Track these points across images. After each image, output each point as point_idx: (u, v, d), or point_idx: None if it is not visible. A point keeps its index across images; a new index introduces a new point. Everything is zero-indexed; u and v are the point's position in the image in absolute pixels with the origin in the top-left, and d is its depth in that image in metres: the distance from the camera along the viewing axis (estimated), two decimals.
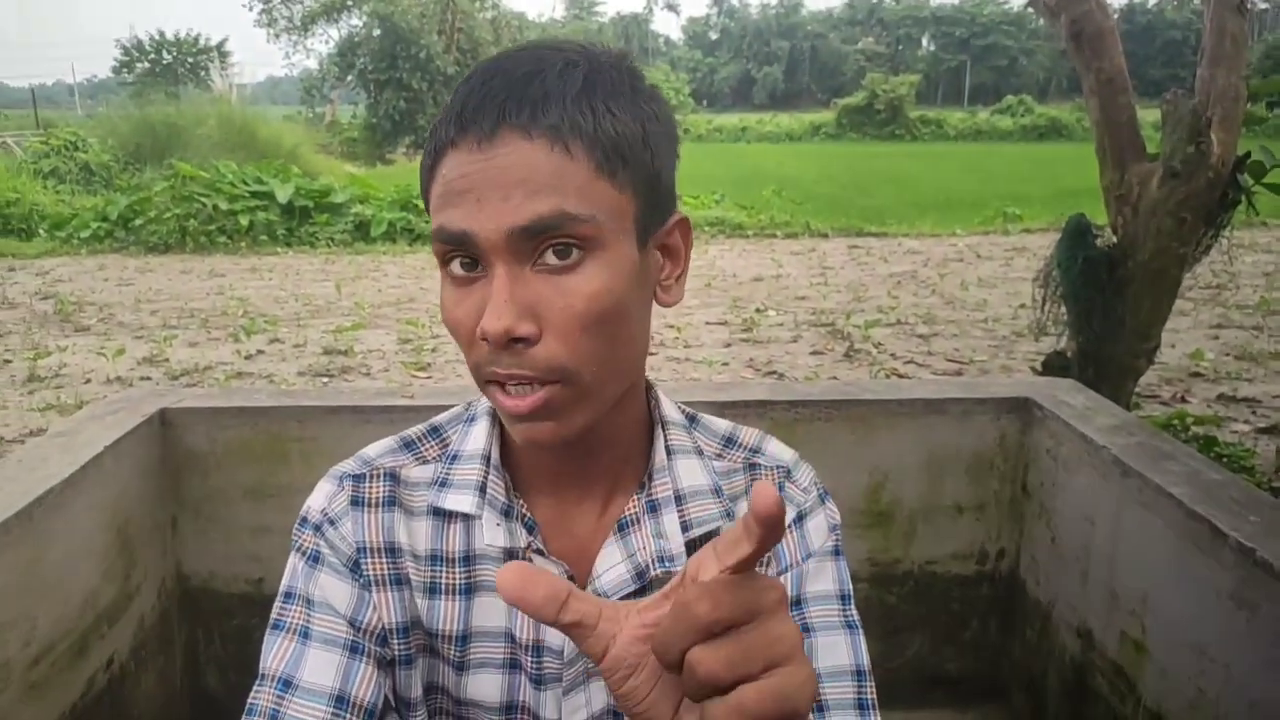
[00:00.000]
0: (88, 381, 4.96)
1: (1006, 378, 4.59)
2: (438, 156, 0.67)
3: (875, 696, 0.76)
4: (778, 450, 0.85)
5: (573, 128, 0.65)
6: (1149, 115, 3.46)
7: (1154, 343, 2.70)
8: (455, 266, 0.67)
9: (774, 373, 5.06)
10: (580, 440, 0.70)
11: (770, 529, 0.45)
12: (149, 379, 5.01)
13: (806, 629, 0.77)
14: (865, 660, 0.77)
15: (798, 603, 0.78)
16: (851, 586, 0.81)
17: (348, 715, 0.71)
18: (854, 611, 0.79)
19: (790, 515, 0.81)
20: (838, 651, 0.76)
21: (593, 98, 0.66)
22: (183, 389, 2.24)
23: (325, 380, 4.99)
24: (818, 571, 0.79)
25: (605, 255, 0.66)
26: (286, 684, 0.71)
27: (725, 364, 5.24)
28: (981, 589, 2.24)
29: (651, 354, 5.44)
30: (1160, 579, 1.66)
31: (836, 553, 0.81)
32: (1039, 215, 11.15)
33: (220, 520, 2.08)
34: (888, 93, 34.85)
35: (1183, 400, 4.37)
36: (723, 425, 0.86)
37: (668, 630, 0.46)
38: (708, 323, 6.31)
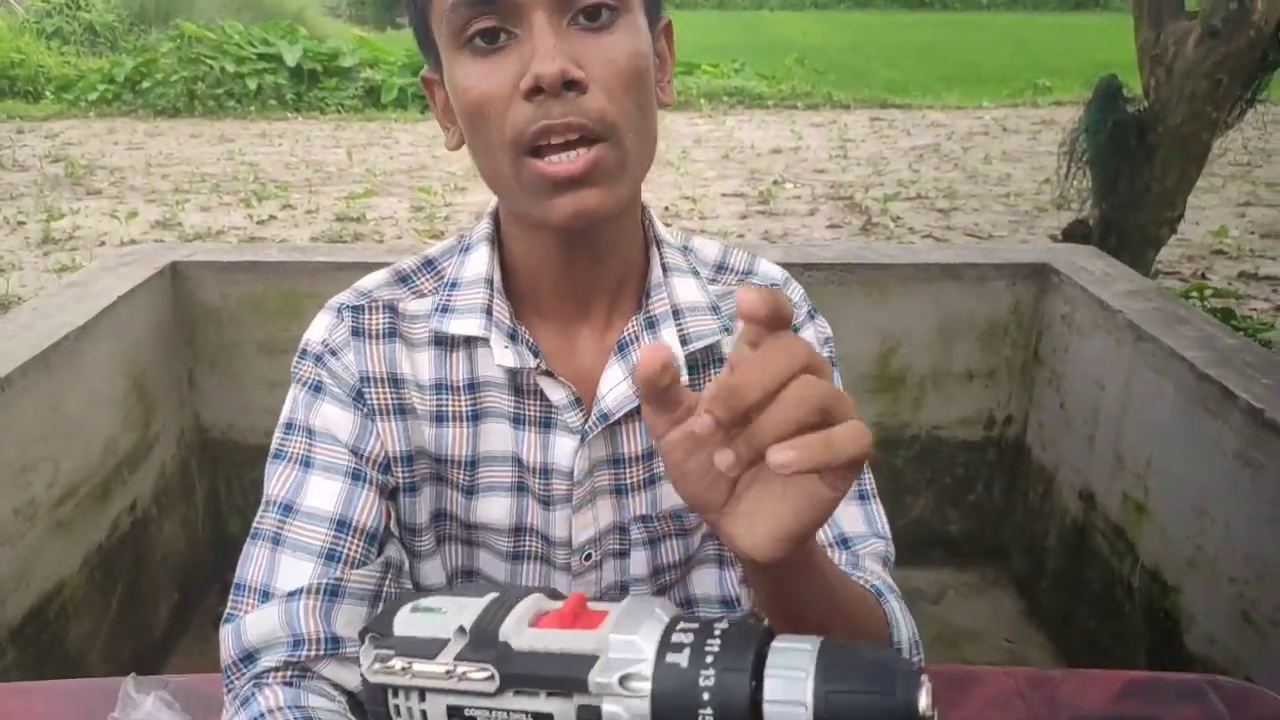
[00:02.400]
0: (101, 244, 4.95)
1: (1025, 245, 4.52)
2: None
3: (875, 488, 0.81)
4: (768, 269, 0.86)
5: None
6: None
7: (1178, 211, 2.64)
8: (479, 28, 0.65)
9: (789, 244, 5.01)
10: (600, 235, 0.72)
11: (770, 321, 0.46)
12: (161, 242, 5.00)
13: None
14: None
15: None
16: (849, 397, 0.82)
17: (348, 538, 0.72)
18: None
19: None
20: None
21: None
22: (193, 244, 2.24)
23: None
24: None
25: (631, 20, 0.67)
26: (288, 509, 0.72)
27: (741, 235, 5.18)
28: (987, 454, 2.26)
29: (666, 224, 5.38)
30: (1166, 442, 1.67)
31: (831, 364, 0.82)
32: (1070, 88, 10.72)
33: (236, 374, 2.11)
34: None
35: (1203, 277, 4.31)
36: (714, 250, 0.86)
37: (754, 365, 0.45)
38: (724, 194, 6.20)
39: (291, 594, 0.70)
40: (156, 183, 6.46)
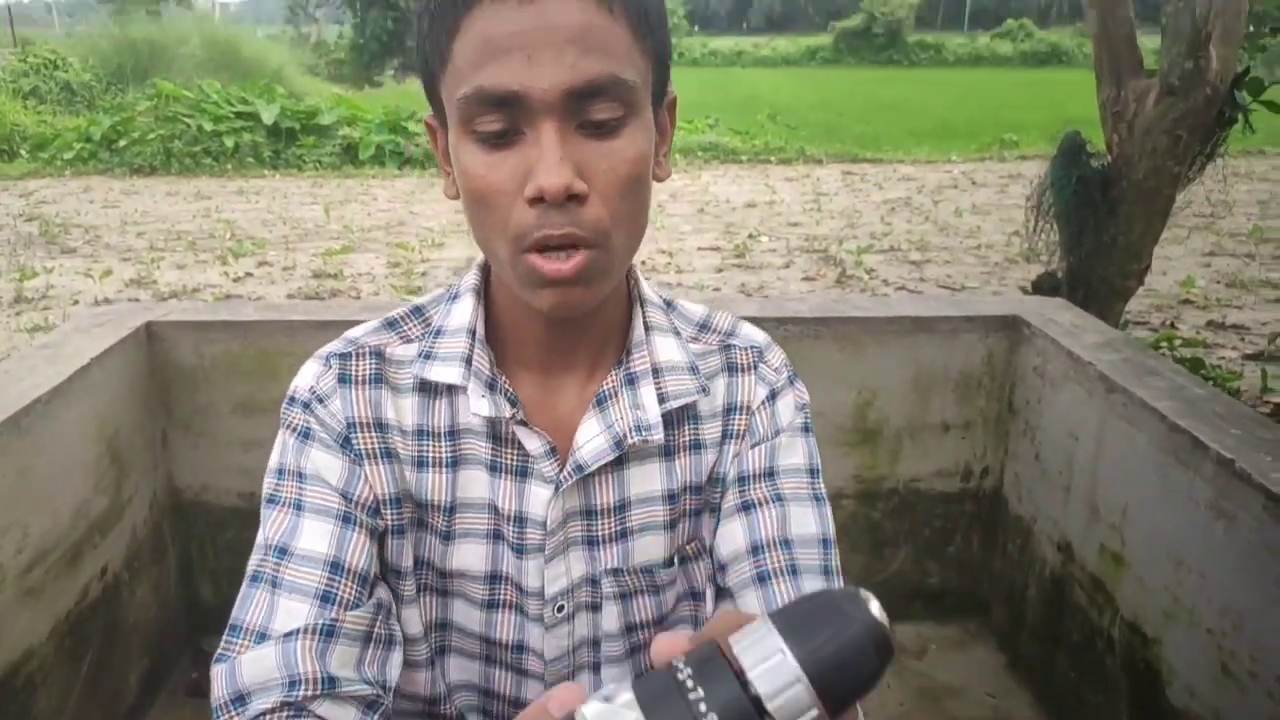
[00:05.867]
0: (75, 303, 4.92)
1: (996, 297, 4.59)
2: (465, 10, 0.65)
3: (840, 563, 0.82)
4: (750, 332, 0.88)
5: None
6: (1151, 42, 3.40)
7: (1145, 263, 2.70)
8: (487, 128, 0.65)
9: (765, 298, 5.05)
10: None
11: None
12: (136, 301, 4.98)
13: (780, 498, 0.81)
14: (831, 530, 0.82)
15: (770, 474, 0.82)
16: (820, 462, 0.84)
17: (342, 580, 0.74)
18: (822, 485, 0.83)
19: (763, 393, 0.84)
20: (807, 521, 0.81)
21: None
22: (169, 304, 2.23)
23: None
24: (789, 446, 0.83)
25: (639, 120, 0.68)
26: (283, 551, 0.74)
27: (716, 289, 5.23)
28: (965, 505, 2.27)
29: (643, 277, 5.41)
30: (1141, 492, 1.68)
31: (806, 429, 0.85)
32: (1036, 141, 11.02)
33: (211, 434, 2.09)
34: (886, 16, 34.09)
35: (1172, 326, 4.38)
36: (698, 310, 0.88)
37: None
38: (700, 248, 6.27)
39: (288, 635, 0.71)
40: (131, 241, 6.45)
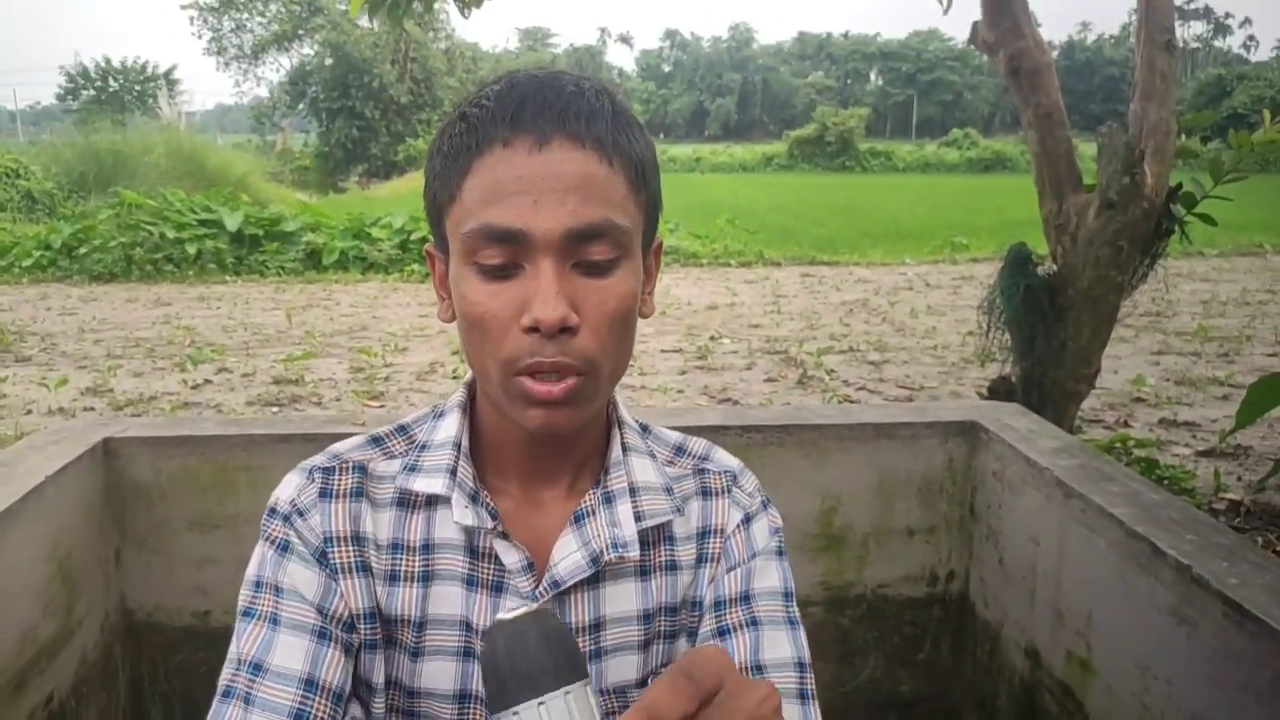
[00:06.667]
0: (28, 412, 4.83)
1: (954, 402, 4.66)
2: (477, 155, 0.70)
3: (814, 688, 0.83)
4: (724, 458, 0.90)
5: (614, 145, 0.71)
6: (1089, 149, 3.56)
7: (1095, 368, 2.77)
8: (489, 261, 0.71)
9: (728, 399, 5.09)
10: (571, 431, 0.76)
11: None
12: (92, 409, 4.90)
13: (755, 622, 0.82)
14: (806, 654, 0.83)
15: (746, 598, 0.84)
16: (794, 585, 0.86)
17: (316, 698, 0.74)
18: (795, 609, 0.85)
19: (738, 517, 0.87)
20: (781, 645, 0.82)
21: (622, 122, 0.73)
22: (127, 418, 2.20)
23: (275, 410, 4.91)
24: (764, 569, 0.85)
25: (630, 264, 0.74)
26: (258, 667, 0.74)
27: (680, 391, 5.26)
28: (933, 611, 2.26)
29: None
30: (1104, 598, 1.69)
31: (780, 553, 0.87)
32: (985, 245, 11.40)
33: (165, 552, 2.04)
34: (837, 125, 35.46)
35: (1125, 425, 4.46)
36: (673, 436, 0.91)
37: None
38: (663, 350, 6.33)
39: None
40: (89, 348, 6.37)
